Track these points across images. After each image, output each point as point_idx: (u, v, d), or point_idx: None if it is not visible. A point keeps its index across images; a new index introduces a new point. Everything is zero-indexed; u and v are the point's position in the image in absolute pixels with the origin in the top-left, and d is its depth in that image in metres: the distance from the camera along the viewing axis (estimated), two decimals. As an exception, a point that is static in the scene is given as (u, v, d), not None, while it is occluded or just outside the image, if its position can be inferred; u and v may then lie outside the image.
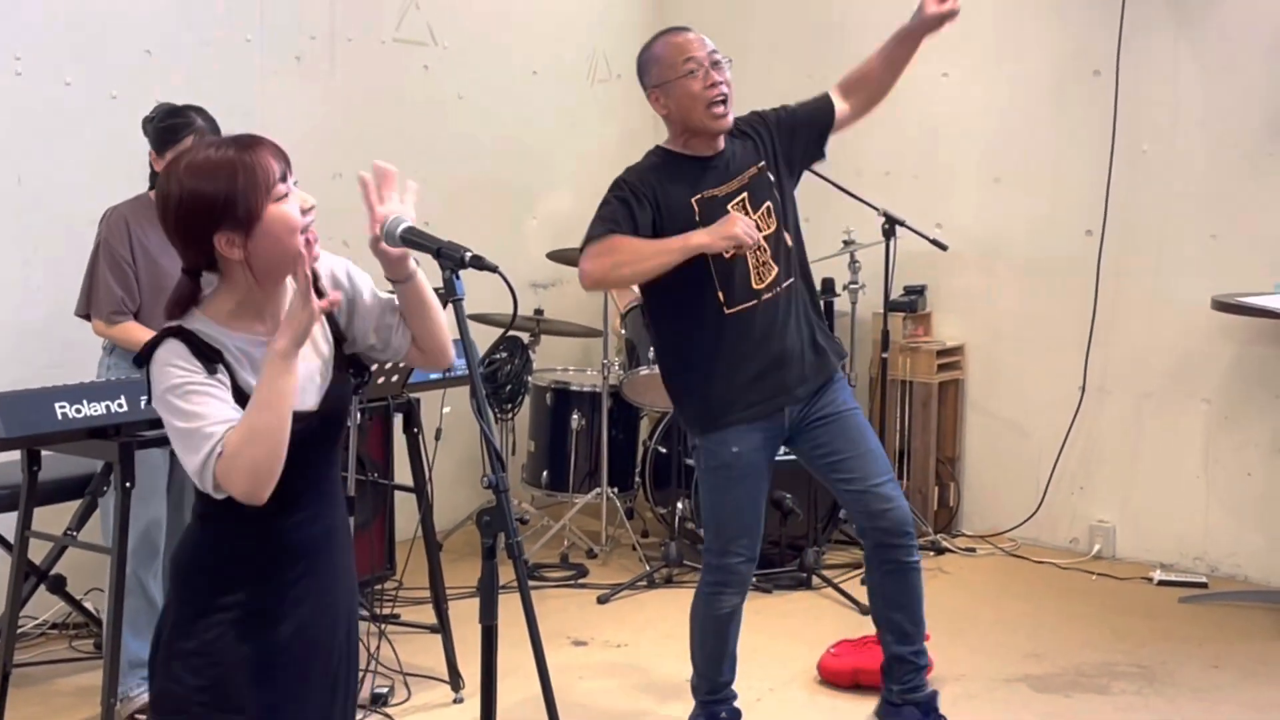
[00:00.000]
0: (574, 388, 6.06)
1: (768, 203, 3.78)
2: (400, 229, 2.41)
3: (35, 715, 4.32)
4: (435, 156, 6.12)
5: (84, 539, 4.16)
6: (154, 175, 4.27)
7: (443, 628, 4.45)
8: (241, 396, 2.25)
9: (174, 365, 2.22)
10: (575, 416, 5.98)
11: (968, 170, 6.22)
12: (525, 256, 6.41)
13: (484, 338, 5.07)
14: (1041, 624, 5.12)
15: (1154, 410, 5.80)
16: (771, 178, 3.83)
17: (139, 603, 4.16)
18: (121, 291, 4.12)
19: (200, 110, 4.23)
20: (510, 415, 5.92)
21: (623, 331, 5.98)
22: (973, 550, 6.03)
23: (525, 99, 6.56)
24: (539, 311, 6.03)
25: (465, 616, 4.72)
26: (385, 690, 4.32)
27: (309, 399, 2.35)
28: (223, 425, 2.19)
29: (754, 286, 3.74)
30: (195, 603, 2.36)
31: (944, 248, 5.66)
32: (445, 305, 2.45)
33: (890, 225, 5.71)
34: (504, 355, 5.77)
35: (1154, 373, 5.79)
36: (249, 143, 2.27)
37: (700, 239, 3.59)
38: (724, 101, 3.72)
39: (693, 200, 3.73)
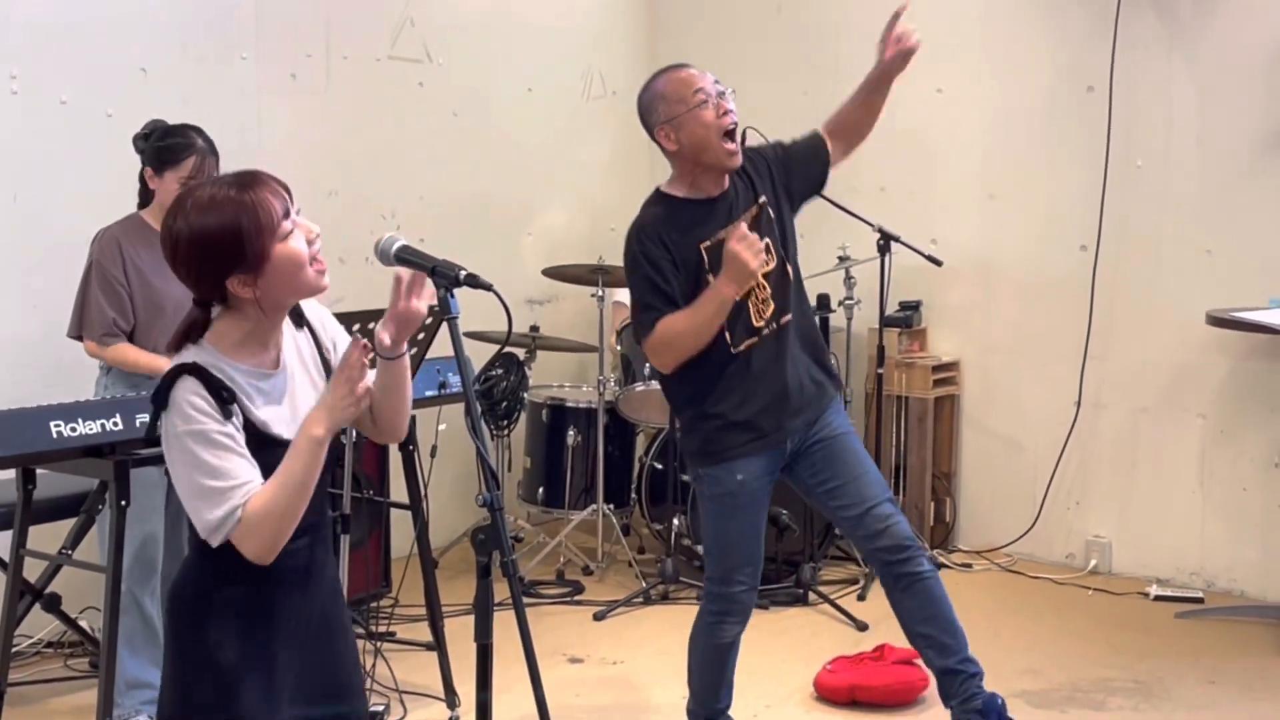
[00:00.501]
0: (570, 404, 6.06)
1: (767, 239, 3.75)
2: (395, 248, 2.42)
3: (30, 734, 4.32)
4: (430, 173, 6.14)
5: (79, 557, 4.15)
6: (144, 193, 4.27)
7: (439, 645, 4.43)
8: (252, 430, 2.29)
9: (195, 408, 2.24)
10: (571, 433, 5.98)
11: (962, 186, 6.23)
12: (521, 273, 6.42)
13: (480, 354, 5.11)
14: (1038, 639, 5.12)
15: (1150, 425, 5.81)
16: (772, 213, 3.81)
17: (135, 621, 4.16)
18: (114, 313, 4.12)
19: (198, 130, 4.24)
20: (506, 432, 5.92)
21: (618, 347, 5.99)
22: (969, 566, 6.03)
23: (520, 116, 6.57)
24: (534, 328, 6.04)
25: (461, 634, 4.69)
26: (381, 708, 4.31)
27: None
28: (244, 489, 2.23)
29: (754, 324, 3.74)
30: (198, 636, 2.38)
31: (939, 263, 5.66)
32: (440, 323, 2.46)
33: (885, 241, 5.72)
34: (500, 372, 5.77)
35: (1149, 387, 5.79)
36: (249, 182, 2.29)
37: (729, 291, 3.58)
38: (734, 133, 3.68)
39: (701, 247, 3.70)
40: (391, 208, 5.95)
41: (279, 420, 2.35)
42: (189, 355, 2.30)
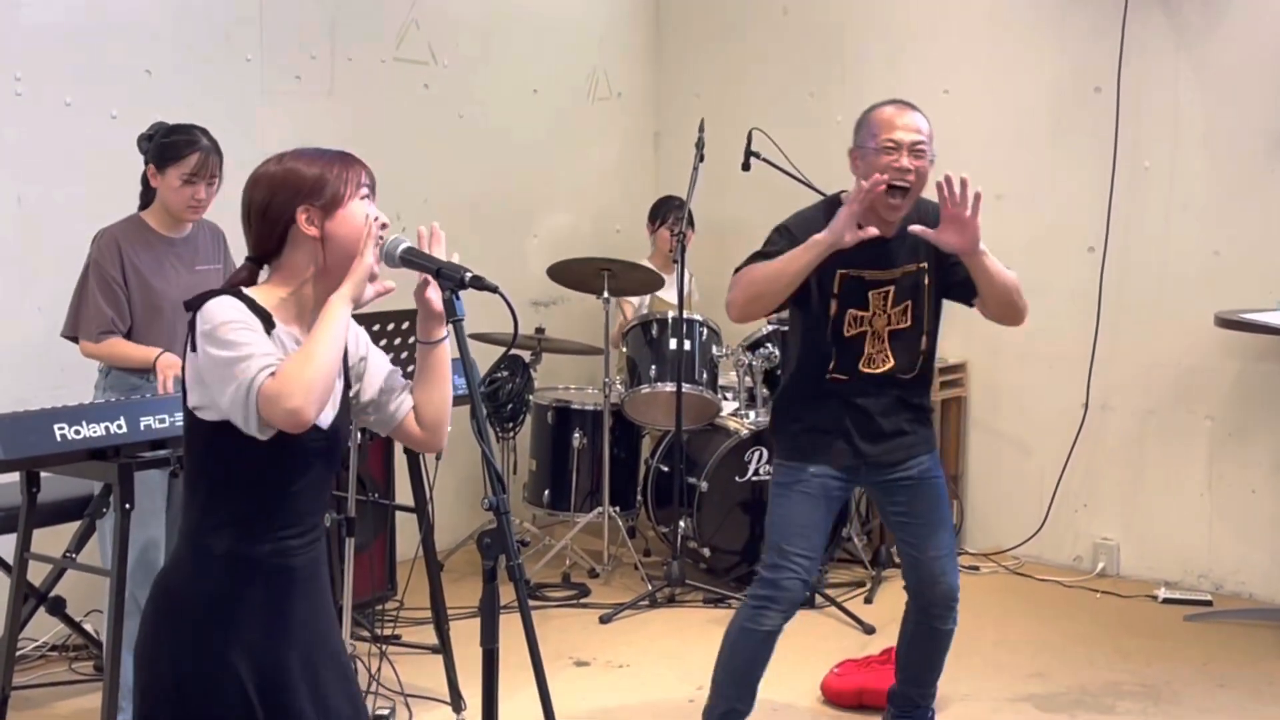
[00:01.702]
0: (575, 406, 6.04)
1: (908, 301, 3.80)
2: (400, 249, 2.40)
3: (35, 738, 4.31)
4: (435, 175, 6.12)
5: (81, 561, 4.14)
6: (146, 194, 4.25)
7: (444, 648, 4.42)
8: None
9: (227, 308, 2.27)
10: (577, 435, 5.96)
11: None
12: (526, 274, 6.40)
13: (485, 357, 5.06)
14: (1046, 643, 5.10)
15: (1157, 427, 5.79)
16: (925, 281, 3.82)
17: (137, 625, 4.13)
18: (112, 312, 4.10)
19: (203, 129, 4.22)
20: (512, 434, 5.90)
21: (624, 349, 5.97)
22: (976, 568, 6.00)
23: (526, 117, 6.56)
24: (540, 330, 6.02)
25: (466, 637, 4.70)
26: (386, 712, 4.30)
27: (325, 417, 2.36)
28: (268, 357, 2.23)
29: (861, 369, 3.80)
30: (165, 622, 2.37)
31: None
32: (445, 324, 2.45)
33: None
34: (505, 374, 5.75)
35: (1157, 390, 5.77)
36: (348, 155, 2.43)
37: (824, 235, 3.61)
38: (901, 192, 3.68)
39: (839, 272, 3.74)
40: (396, 210, 5.87)
41: None
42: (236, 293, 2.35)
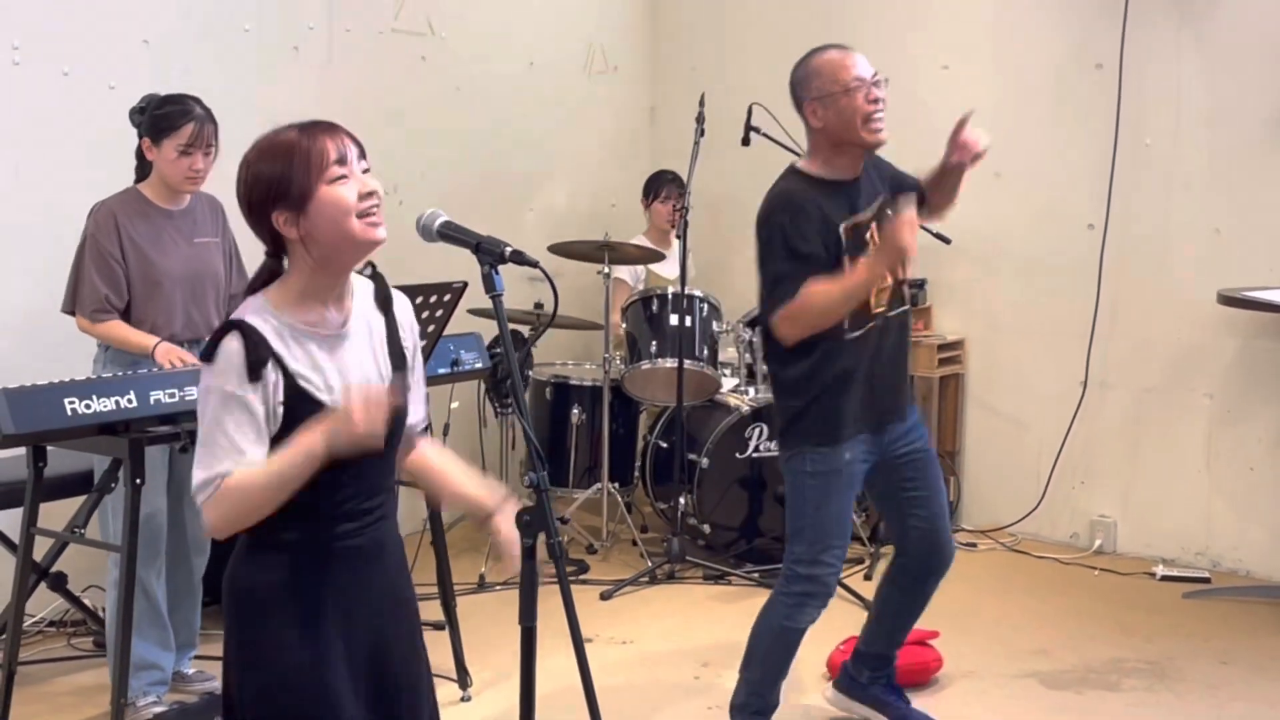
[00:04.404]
0: (574, 382, 6.02)
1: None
2: (438, 223, 2.37)
3: (38, 714, 4.26)
4: (433, 148, 6.08)
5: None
6: (141, 167, 4.20)
7: (451, 624, 4.40)
8: (290, 384, 2.27)
9: (227, 364, 2.24)
10: (575, 411, 5.93)
11: (968, 164, 6.18)
12: (523, 249, 6.30)
13: (487, 331, 5.04)
14: (1046, 620, 5.11)
15: (1156, 405, 5.80)
16: (890, 212, 3.81)
17: (140, 601, 4.09)
18: (106, 289, 4.04)
19: (196, 98, 4.16)
20: (510, 409, 5.86)
21: (623, 325, 5.94)
22: (974, 545, 6.01)
23: (523, 91, 6.51)
24: (538, 305, 5.98)
25: (469, 613, 4.69)
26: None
27: None
28: (239, 460, 2.22)
29: (873, 309, 3.75)
30: (254, 623, 2.36)
31: (947, 241, 5.61)
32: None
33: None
34: (503, 349, 5.70)
35: (1156, 367, 5.78)
36: (311, 127, 2.32)
37: (882, 269, 3.59)
38: (882, 119, 3.71)
39: (842, 227, 3.70)
40: (394, 182, 5.86)
41: (320, 384, 2.31)
42: (247, 307, 2.31)
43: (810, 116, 3.75)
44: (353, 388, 2.25)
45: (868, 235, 3.75)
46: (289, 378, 2.27)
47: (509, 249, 2.35)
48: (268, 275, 2.36)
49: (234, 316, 2.29)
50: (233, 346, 2.24)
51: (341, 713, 2.35)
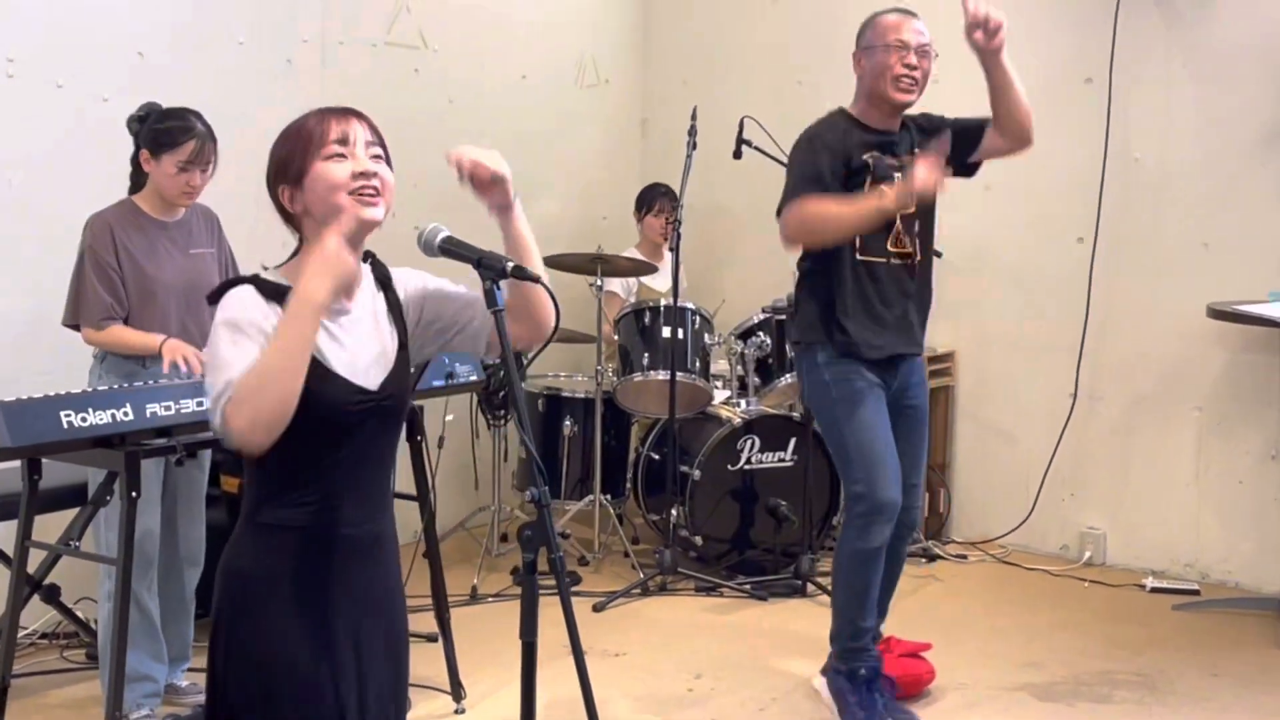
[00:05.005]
0: (566, 394, 6.03)
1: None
2: (439, 238, 2.38)
3: (31, 727, 4.26)
4: (426, 160, 6.00)
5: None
6: (137, 177, 4.20)
7: (445, 637, 4.40)
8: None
9: (237, 300, 2.28)
10: (568, 422, 5.94)
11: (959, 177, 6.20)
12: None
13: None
14: (1037, 632, 5.12)
15: (1145, 417, 5.82)
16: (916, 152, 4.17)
17: (133, 614, 4.07)
18: (110, 298, 4.05)
19: (197, 114, 4.17)
20: (502, 421, 5.87)
21: (615, 337, 5.95)
22: (964, 557, 6.03)
23: (515, 103, 6.53)
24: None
25: (463, 624, 4.69)
26: (387, 701, 4.26)
27: (372, 378, 2.37)
28: (241, 367, 2.20)
29: (888, 247, 4.11)
30: (247, 608, 2.36)
31: (938, 254, 5.59)
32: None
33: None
34: (496, 361, 5.71)
35: (1145, 380, 5.81)
36: (326, 110, 2.42)
37: (892, 203, 3.90)
38: (912, 83, 4.09)
39: (868, 156, 4.08)
40: (386, 195, 5.89)
41: (336, 355, 2.33)
42: (266, 274, 2.36)
43: (855, 65, 4.18)
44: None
45: (895, 175, 4.04)
46: None
47: (510, 264, 2.37)
48: (293, 256, 2.43)
49: (244, 275, 2.36)
50: (244, 290, 2.30)
51: (324, 702, 2.35)
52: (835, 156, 4.05)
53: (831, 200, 3.96)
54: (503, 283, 2.38)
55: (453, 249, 2.37)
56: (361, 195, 2.33)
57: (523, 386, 5.77)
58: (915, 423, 4.28)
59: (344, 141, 2.35)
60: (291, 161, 2.36)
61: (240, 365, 2.18)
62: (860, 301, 4.09)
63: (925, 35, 4.12)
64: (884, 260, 4.12)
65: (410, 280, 2.53)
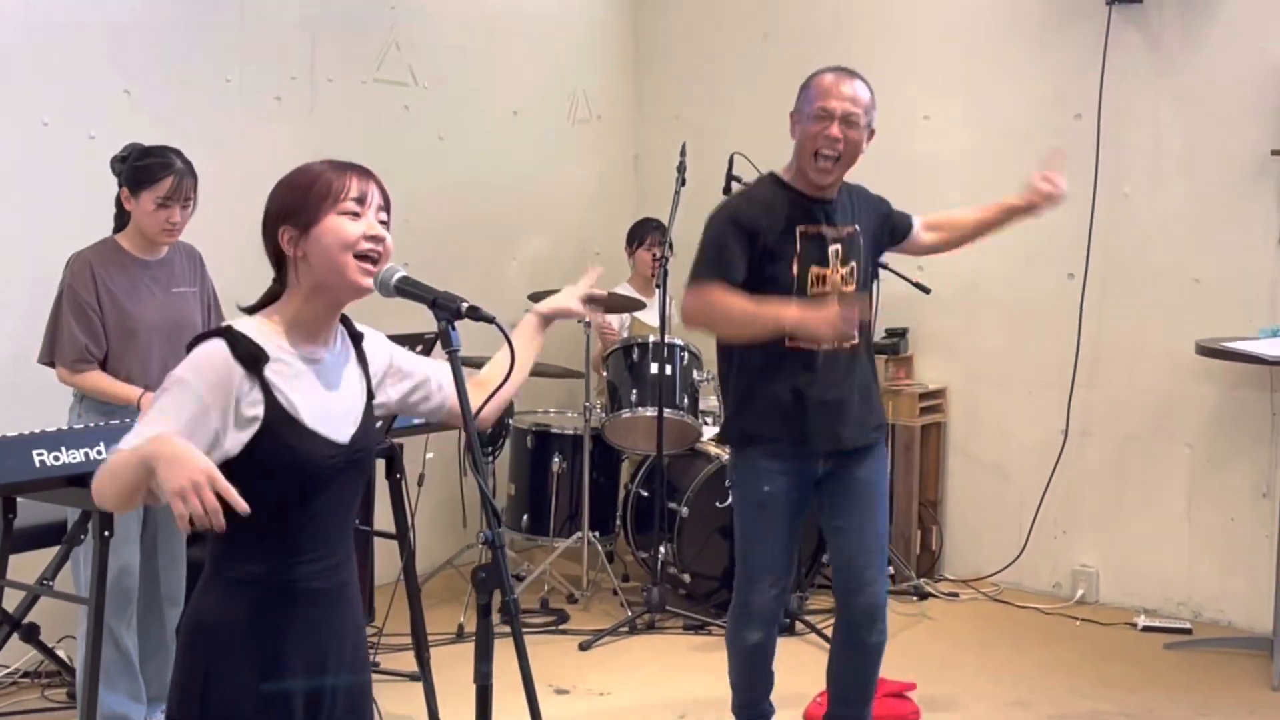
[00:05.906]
0: (555, 430, 6.01)
1: (854, 263, 3.86)
2: (395, 278, 2.37)
3: (8, 767, 4.24)
4: (416, 198, 6.07)
5: (53, 587, 4.07)
6: (120, 216, 4.20)
7: (424, 676, 4.37)
8: (274, 405, 2.29)
9: (195, 362, 2.27)
10: (556, 459, 5.92)
11: (949, 213, 6.20)
12: (506, 298, 6.33)
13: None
14: (1027, 671, 5.08)
15: (1137, 454, 5.79)
16: (861, 243, 3.90)
17: (111, 654, 4.07)
18: (86, 339, 4.03)
19: (176, 151, 4.16)
20: (491, 458, 5.85)
21: (604, 373, 5.94)
22: (955, 595, 5.99)
23: (506, 139, 6.54)
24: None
25: (443, 663, 4.66)
26: (365, 741, 4.24)
27: (342, 432, 2.38)
28: (140, 436, 2.20)
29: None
30: (211, 662, 2.34)
31: (927, 291, 5.63)
32: (429, 352, 2.44)
33: (873, 268, 5.68)
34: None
35: (1136, 416, 5.78)
36: (344, 164, 2.41)
37: (790, 324, 3.62)
38: (830, 159, 3.73)
39: (798, 230, 3.76)
40: (376, 231, 5.89)
41: (309, 409, 2.33)
42: (242, 322, 2.35)
43: (791, 125, 3.87)
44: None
45: (829, 249, 3.79)
46: (272, 398, 2.29)
47: (465, 304, 2.35)
48: (268, 299, 2.41)
49: (223, 325, 2.34)
50: (215, 346, 2.28)
51: None
52: (753, 236, 3.73)
53: (738, 300, 3.65)
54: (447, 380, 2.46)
55: (408, 289, 2.36)
56: (364, 261, 2.35)
57: (510, 422, 5.83)
58: (861, 499, 3.88)
59: (361, 201, 2.37)
60: (304, 209, 2.34)
61: (148, 431, 2.18)
62: (785, 391, 3.77)
63: (858, 103, 3.74)
64: (815, 349, 3.76)
65: (379, 341, 2.56)
